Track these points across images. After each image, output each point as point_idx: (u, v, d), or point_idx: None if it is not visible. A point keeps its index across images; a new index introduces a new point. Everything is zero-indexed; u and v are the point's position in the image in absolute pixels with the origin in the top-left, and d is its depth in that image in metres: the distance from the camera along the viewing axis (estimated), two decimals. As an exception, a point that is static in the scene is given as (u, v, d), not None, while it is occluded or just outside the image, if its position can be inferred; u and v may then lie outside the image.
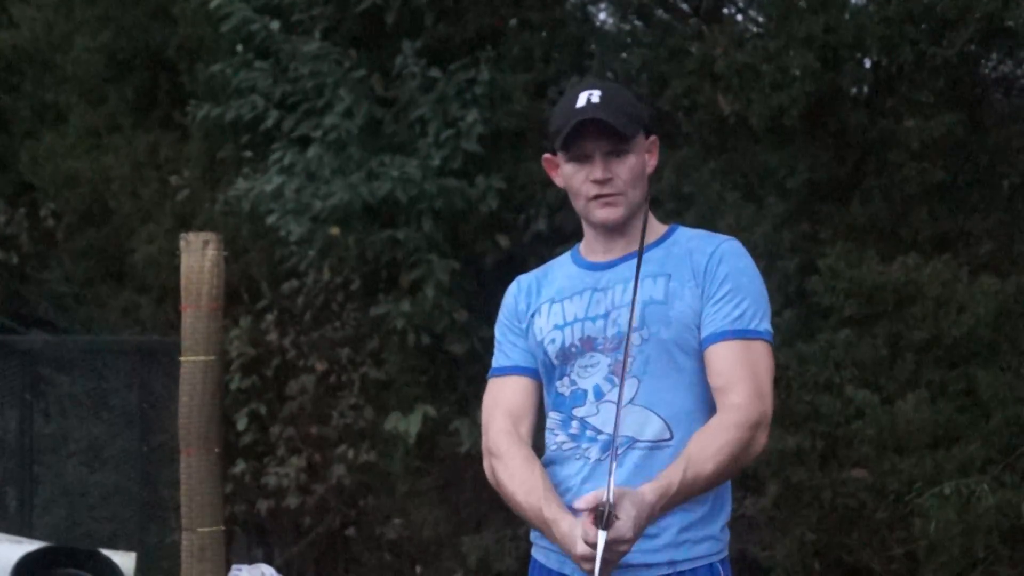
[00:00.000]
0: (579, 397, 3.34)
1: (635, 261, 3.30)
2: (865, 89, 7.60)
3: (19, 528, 9.04)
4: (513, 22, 8.32)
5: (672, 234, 3.45)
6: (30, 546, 7.07)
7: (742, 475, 6.71)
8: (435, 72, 7.98)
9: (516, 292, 3.55)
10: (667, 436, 3.25)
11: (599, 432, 3.29)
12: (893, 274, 7.01)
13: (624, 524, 2.89)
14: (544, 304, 3.46)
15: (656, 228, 3.46)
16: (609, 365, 3.31)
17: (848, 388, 7.00)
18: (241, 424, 8.73)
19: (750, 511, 7.24)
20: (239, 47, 8.43)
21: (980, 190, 7.39)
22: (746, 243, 3.45)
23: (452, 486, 8.54)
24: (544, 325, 3.42)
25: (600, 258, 3.44)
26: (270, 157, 8.22)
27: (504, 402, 3.46)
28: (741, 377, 3.23)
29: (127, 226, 9.97)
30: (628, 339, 3.14)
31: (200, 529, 7.20)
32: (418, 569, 8.71)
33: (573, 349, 3.37)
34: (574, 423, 3.34)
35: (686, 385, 3.29)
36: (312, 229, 8.06)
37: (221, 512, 7.40)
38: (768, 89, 7.16)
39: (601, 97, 3.34)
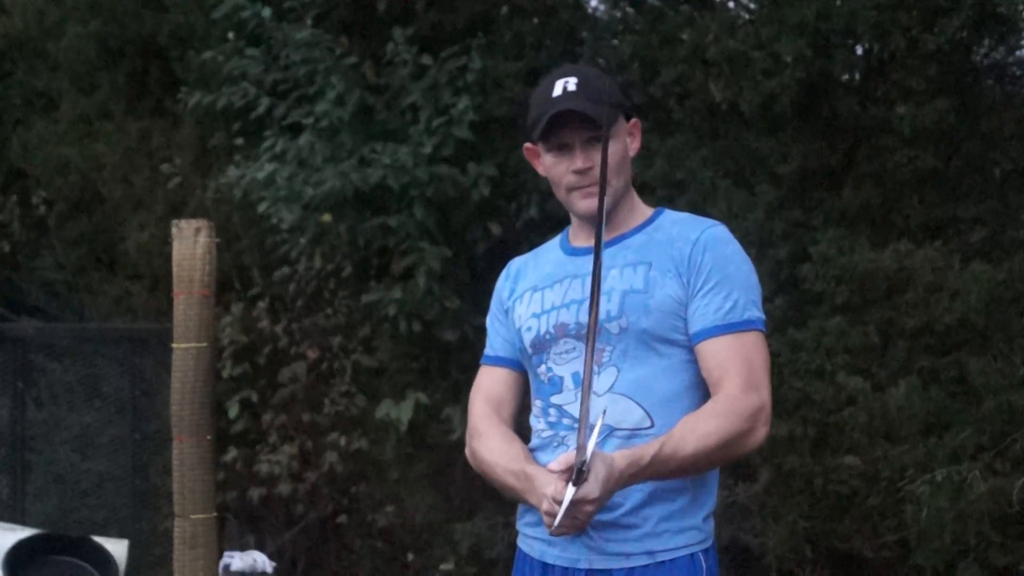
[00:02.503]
0: (556, 384, 3.31)
1: (617, 248, 3.31)
2: (857, 76, 7.61)
3: (11, 515, 9.04)
4: (504, 9, 8.32)
5: (656, 219, 3.39)
6: (22, 533, 7.07)
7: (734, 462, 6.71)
8: (426, 59, 7.98)
9: (504, 277, 3.56)
10: (647, 424, 3.20)
11: (576, 420, 3.23)
12: (885, 261, 7.02)
13: (591, 485, 2.88)
14: (527, 292, 3.44)
15: (640, 212, 3.41)
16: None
17: (840, 375, 7.00)
18: (233, 411, 8.73)
19: (742, 498, 7.24)
20: (230, 34, 8.42)
21: (972, 177, 7.40)
22: (738, 230, 3.39)
23: (444, 473, 8.55)
24: (523, 313, 3.40)
25: (583, 243, 3.40)
26: (262, 144, 8.21)
27: (484, 390, 3.49)
28: (735, 370, 3.17)
29: (119, 213, 9.96)
30: (591, 327, 2.96)
31: (192, 516, 7.21)
32: (410, 556, 8.71)
33: (547, 336, 3.33)
34: (552, 411, 3.31)
35: (668, 373, 3.23)
36: (304, 216, 8.06)
37: (213, 499, 7.41)
38: (760, 76, 7.16)
39: (578, 84, 3.28)
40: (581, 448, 2.87)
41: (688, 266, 3.24)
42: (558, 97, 3.27)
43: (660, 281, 3.24)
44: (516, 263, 3.56)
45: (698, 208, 6.74)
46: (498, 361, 3.50)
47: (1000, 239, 7.23)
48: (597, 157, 3.21)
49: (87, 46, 9.98)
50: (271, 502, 8.81)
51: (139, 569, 8.42)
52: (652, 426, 3.19)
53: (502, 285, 3.55)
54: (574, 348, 3.29)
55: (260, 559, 7.11)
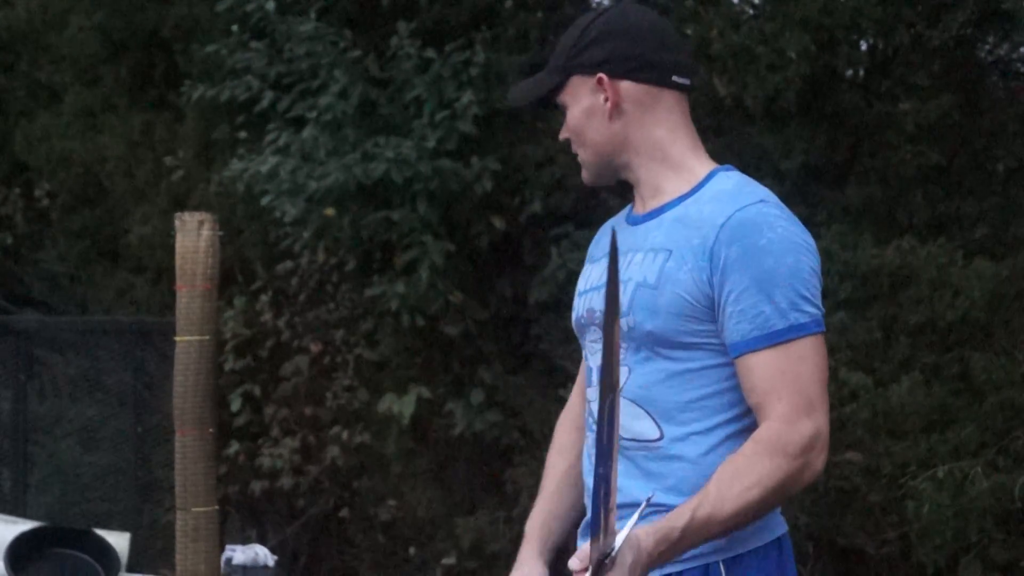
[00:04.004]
0: (589, 375, 2.92)
1: (654, 223, 2.84)
2: (861, 71, 7.60)
3: (13, 508, 9.04)
4: (508, 3, 8.31)
5: (704, 185, 2.85)
6: (24, 526, 7.06)
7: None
8: (430, 53, 7.97)
9: (592, 243, 3.12)
10: (655, 436, 2.75)
11: (595, 421, 2.77)
12: (888, 257, 7.01)
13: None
14: (587, 265, 3.01)
15: (688, 174, 2.87)
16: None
17: (842, 371, 6.99)
18: (235, 405, 8.73)
19: (744, 493, 7.23)
20: (234, 27, 8.41)
21: (976, 173, 7.39)
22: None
23: (446, 468, 8.55)
24: (578, 288, 2.99)
25: (638, 210, 2.92)
26: (265, 138, 8.21)
27: (577, 384, 3.10)
28: (778, 392, 2.64)
29: (122, 206, 9.97)
30: (612, 330, 2.44)
31: (194, 509, 7.20)
32: (412, 551, 8.71)
33: (582, 321, 2.92)
34: (586, 406, 2.91)
35: (680, 381, 2.74)
36: (307, 210, 8.05)
37: (215, 492, 7.39)
38: (764, 71, 7.15)
39: (560, 41, 2.95)
40: (608, 534, 2.43)
41: (710, 260, 2.70)
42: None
43: (674, 276, 2.72)
44: (605, 225, 3.06)
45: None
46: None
47: (1003, 235, 7.22)
48: (568, 125, 2.92)
49: (91, 38, 9.98)
50: (273, 496, 8.82)
51: (141, 562, 8.41)
52: (660, 438, 2.75)
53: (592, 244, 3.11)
54: (600, 339, 2.82)
55: (262, 553, 7.11)
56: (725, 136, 7.59)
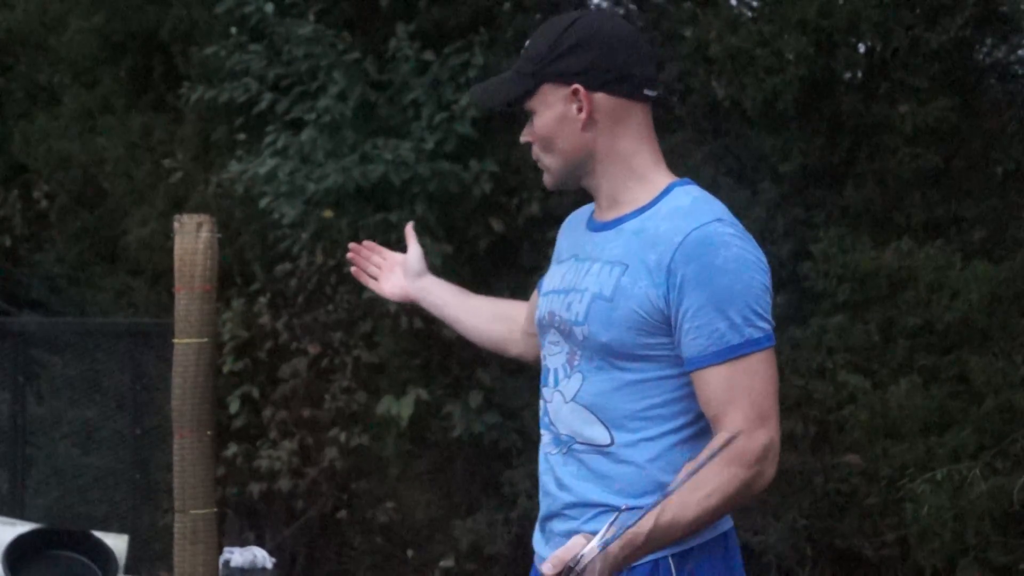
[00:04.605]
0: (546, 375, 3.04)
1: (612, 232, 2.95)
2: (859, 74, 7.60)
3: (11, 510, 9.03)
4: (507, 5, 8.31)
5: (661, 199, 2.92)
6: (22, 528, 7.06)
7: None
8: (429, 55, 7.97)
9: (561, 229, 3.22)
10: (607, 441, 2.89)
11: (551, 422, 3.02)
12: (886, 259, 7.02)
13: None
14: (552, 265, 3.14)
15: (650, 185, 2.94)
16: (567, 352, 2.97)
17: (841, 373, 7.00)
18: (233, 407, 8.72)
19: (742, 496, 7.23)
20: (233, 29, 8.42)
21: (974, 176, 7.39)
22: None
23: (444, 470, 8.55)
24: (543, 287, 3.12)
25: (598, 217, 3.02)
26: (264, 140, 8.21)
27: (528, 315, 3.32)
28: (734, 404, 2.76)
29: (120, 208, 9.96)
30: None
31: (192, 511, 7.20)
32: (410, 553, 8.71)
33: (544, 322, 3.04)
34: (541, 403, 3.06)
35: (633, 390, 2.87)
36: (305, 212, 8.05)
37: (213, 494, 7.40)
38: (762, 73, 7.15)
39: (526, 46, 3.04)
40: (582, 546, 2.63)
41: (667, 277, 2.80)
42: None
43: (629, 291, 2.84)
44: (569, 219, 3.19)
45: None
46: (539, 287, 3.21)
47: (1002, 238, 7.22)
48: (532, 131, 3.01)
49: (89, 40, 9.97)
50: (271, 498, 8.81)
51: (139, 564, 8.41)
52: (612, 443, 2.88)
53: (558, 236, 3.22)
54: (559, 342, 2.99)
55: (260, 555, 7.11)
56: (723, 138, 7.60)
